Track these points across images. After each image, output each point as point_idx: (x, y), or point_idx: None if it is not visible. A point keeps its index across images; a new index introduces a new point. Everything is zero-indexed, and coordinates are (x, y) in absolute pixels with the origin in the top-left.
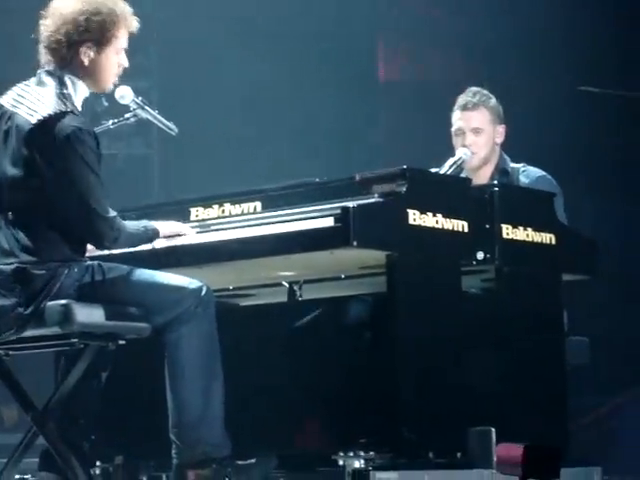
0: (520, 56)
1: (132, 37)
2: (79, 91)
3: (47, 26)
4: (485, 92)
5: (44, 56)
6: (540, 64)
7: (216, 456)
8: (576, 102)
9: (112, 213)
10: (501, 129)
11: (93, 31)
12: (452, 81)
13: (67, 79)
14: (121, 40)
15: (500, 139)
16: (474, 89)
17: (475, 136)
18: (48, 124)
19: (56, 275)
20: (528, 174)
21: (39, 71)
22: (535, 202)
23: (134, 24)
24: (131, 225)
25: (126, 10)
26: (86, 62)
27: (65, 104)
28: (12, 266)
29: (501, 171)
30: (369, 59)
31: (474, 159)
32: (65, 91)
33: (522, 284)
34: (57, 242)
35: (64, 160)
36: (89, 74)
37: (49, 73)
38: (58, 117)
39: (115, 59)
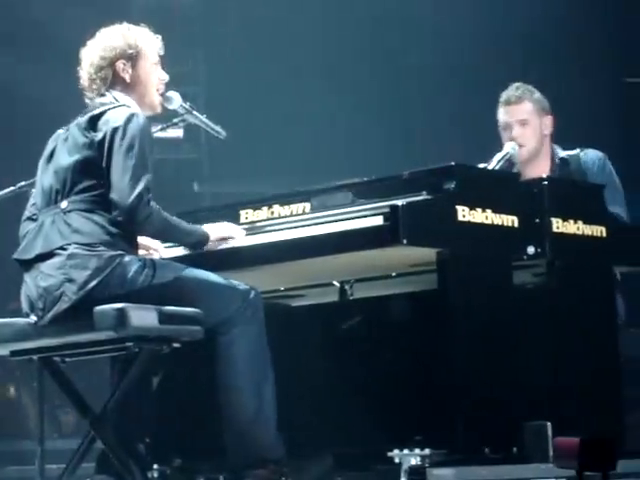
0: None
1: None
2: (130, 103)
3: (83, 65)
4: (528, 86)
5: (89, 93)
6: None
7: (270, 457)
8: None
9: (149, 195)
10: (548, 121)
11: (121, 48)
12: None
13: (115, 93)
14: (151, 54)
15: (548, 130)
16: (516, 84)
17: (522, 128)
18: (108, 112)
19: (107, 262)
20: (589, 156)
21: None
22: (585, 195)
23: (157, 42)
24: (176, 219)
25: (145, 30)
26: (127, 78)
27: (118, 101)
28: (65, 250)
29: (561, 161)
30: None
31: (523, 151)
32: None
33: (573, 277)
34: (109, 229)
35: (123, 136)
36: (133, 90)
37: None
38: (116, 106)
39: (152, 71)
